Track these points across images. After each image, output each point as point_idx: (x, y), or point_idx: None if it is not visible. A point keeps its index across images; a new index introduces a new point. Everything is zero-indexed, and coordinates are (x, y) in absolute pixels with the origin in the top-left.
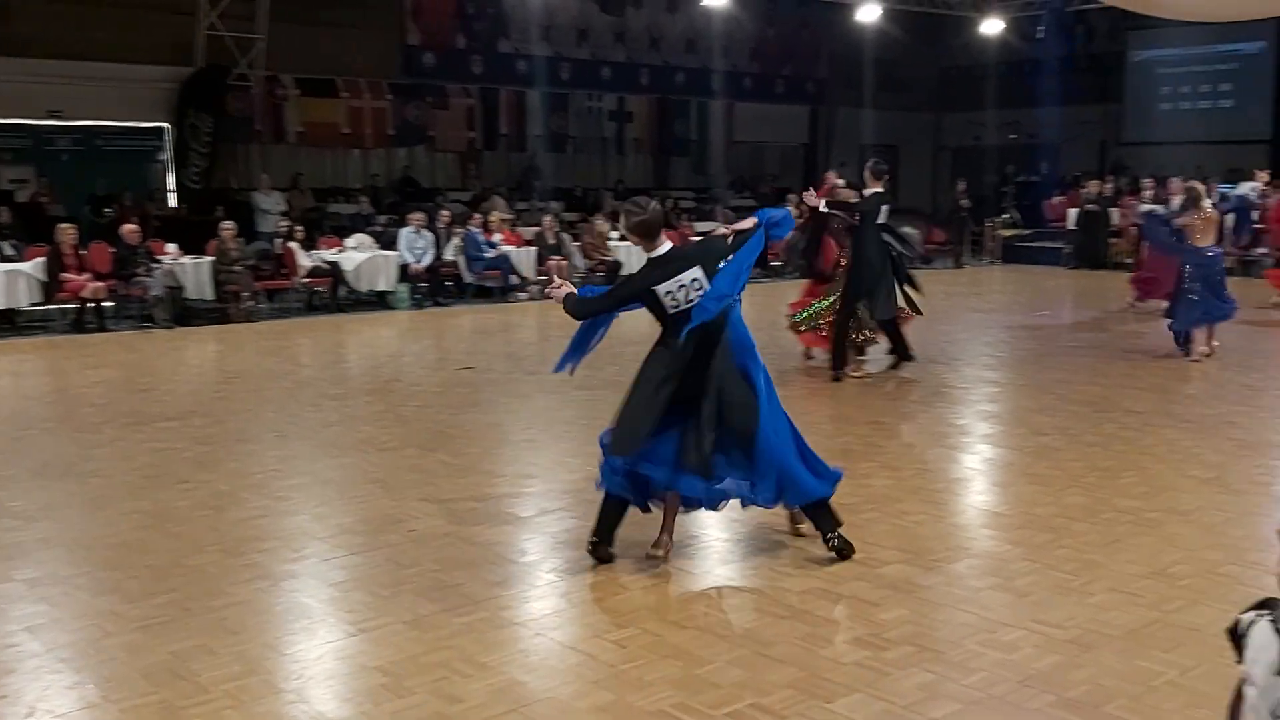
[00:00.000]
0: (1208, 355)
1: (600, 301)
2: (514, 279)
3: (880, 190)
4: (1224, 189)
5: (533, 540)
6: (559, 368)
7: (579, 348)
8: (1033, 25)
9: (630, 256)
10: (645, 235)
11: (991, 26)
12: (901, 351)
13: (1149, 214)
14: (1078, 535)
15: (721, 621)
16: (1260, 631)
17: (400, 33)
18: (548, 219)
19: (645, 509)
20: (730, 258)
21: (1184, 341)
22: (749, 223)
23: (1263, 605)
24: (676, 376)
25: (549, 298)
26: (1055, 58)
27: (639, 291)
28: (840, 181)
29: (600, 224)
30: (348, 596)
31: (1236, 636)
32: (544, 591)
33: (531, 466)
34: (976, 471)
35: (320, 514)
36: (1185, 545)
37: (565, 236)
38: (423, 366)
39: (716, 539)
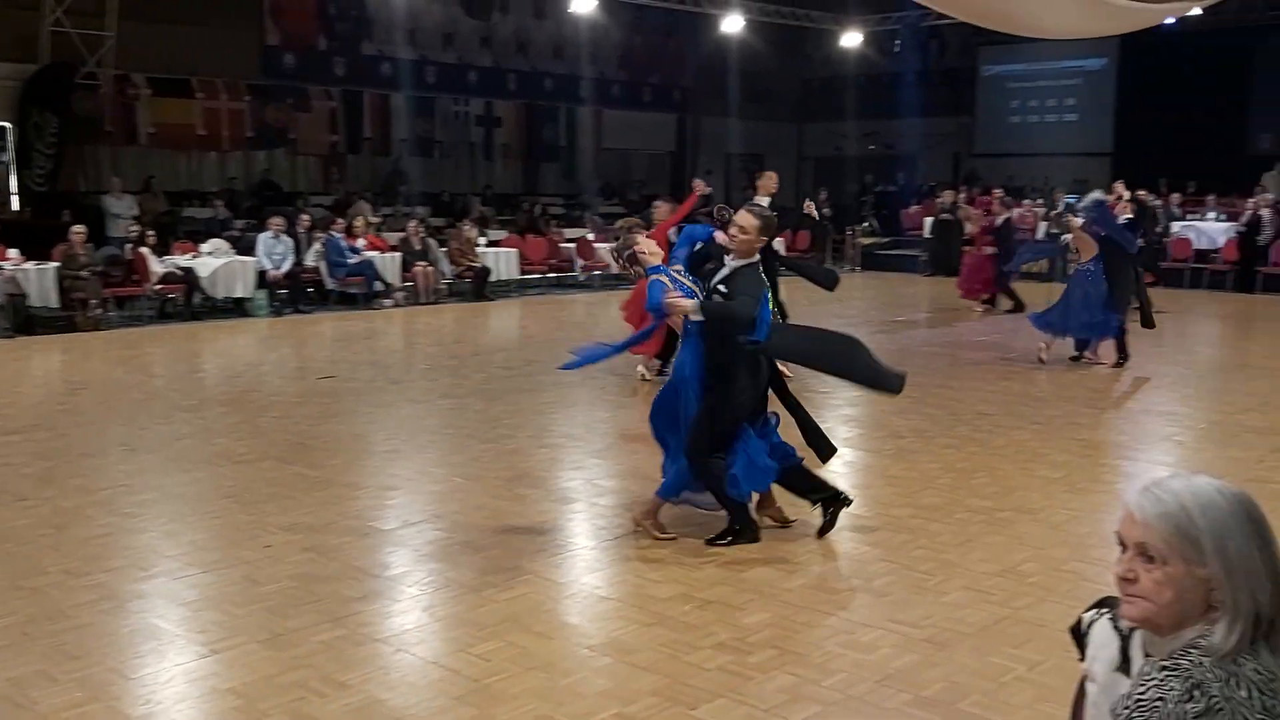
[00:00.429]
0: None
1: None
2: (378, 285)
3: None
4: (1070, 200)
5: (395, 554)
6: (576, 364)
7: (607, 354)
8: (890, 39)
9: (499, 263)
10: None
11: (851, 40)
12: None
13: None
14: (933, 535)
15: (586, 631)
16: (1100, 629)
17: (259, 32)
18: (414, 224)
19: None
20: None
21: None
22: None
23: (1103, 603)
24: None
25: (672, 307)
26: (912, 71)
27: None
28: (708, 189)
29: (468, 229)
30: (199, 616)
31: (1079, 634)
32: (406, 606)
33: (394, 478)
34: (837, 474)
35: (171, 531)
36: (1034, 543)
37: (432, 242)
38: (281, 376)
39: (583, 547)
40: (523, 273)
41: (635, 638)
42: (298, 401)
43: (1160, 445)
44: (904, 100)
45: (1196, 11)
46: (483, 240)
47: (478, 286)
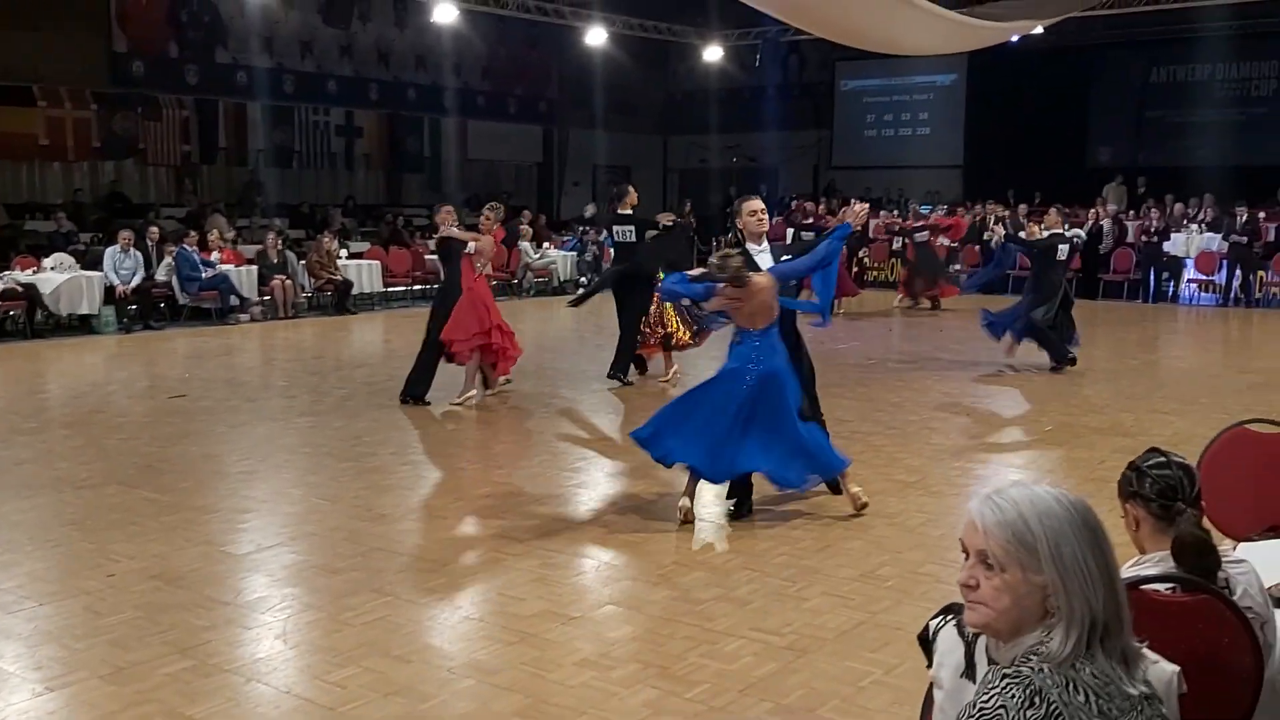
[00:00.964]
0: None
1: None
2: (233, 300)
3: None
4: (925, 210)
5: (248, 579)
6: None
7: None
8: (751, 54)
9: (362, 275)
10: None
11: (712, 54)
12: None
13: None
14: (795, 542)
15: (447, 652)
16: (946, 635)
17: (106, 39)
18: (271, 236)
19: None
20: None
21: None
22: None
23: (948, 609)
24: None
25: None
26: (772, 85)
27: None
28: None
29: (328, 241)
30: (35, 652)
31: (926, 641)
32: (259, 634)
33: (248, 500)
34: (703, 485)
35: (6, 562)
36: (891, 547)
37: (290, 255)
38: (130, 395)
39: (446, 566)
40: (386, 285)
41: (498, 657)
42: (147, 422)
43: (1010, 447)
44: (765, 113)
45: (1039, 30)
46: (344, 252)
47: (339, 300)
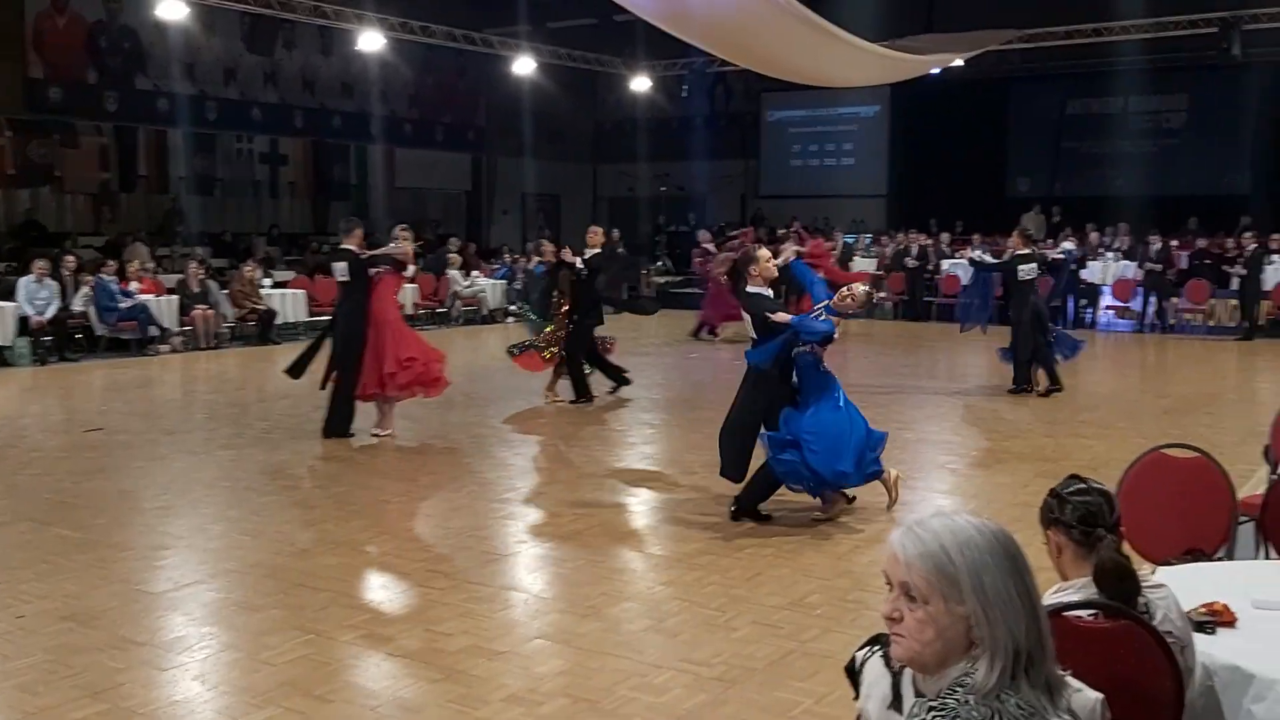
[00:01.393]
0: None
1: None
2: (153, 330)
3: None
4: (849, 239)
5: (166, 619)
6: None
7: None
8: (678, 84)
9: (286, 304)
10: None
11: (640, 84)
12: (617, 377)
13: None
14: (724, 571)
15: (371, 691)
16: (872, 667)
17: (21, 64)
18: (193, 265)
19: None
20: None
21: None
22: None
23: (875, 640)
24: None
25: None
26: (700, 115)
27: None
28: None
29: (251, 270)
30: None
31: (853, 672)
32: (176, 675)
33: (166, 537)
34: (632, 513)
35: None
36: (819, 575)
37: (212, 284)
38: (44, 429)
39: (370, 601)
40: (311, 314)
41: (422, 695)
42: (61, 457)
43: (935, 473)
44: (693, 143)
45: (959, 63)
46: (267, 281)
47: (262, 330)
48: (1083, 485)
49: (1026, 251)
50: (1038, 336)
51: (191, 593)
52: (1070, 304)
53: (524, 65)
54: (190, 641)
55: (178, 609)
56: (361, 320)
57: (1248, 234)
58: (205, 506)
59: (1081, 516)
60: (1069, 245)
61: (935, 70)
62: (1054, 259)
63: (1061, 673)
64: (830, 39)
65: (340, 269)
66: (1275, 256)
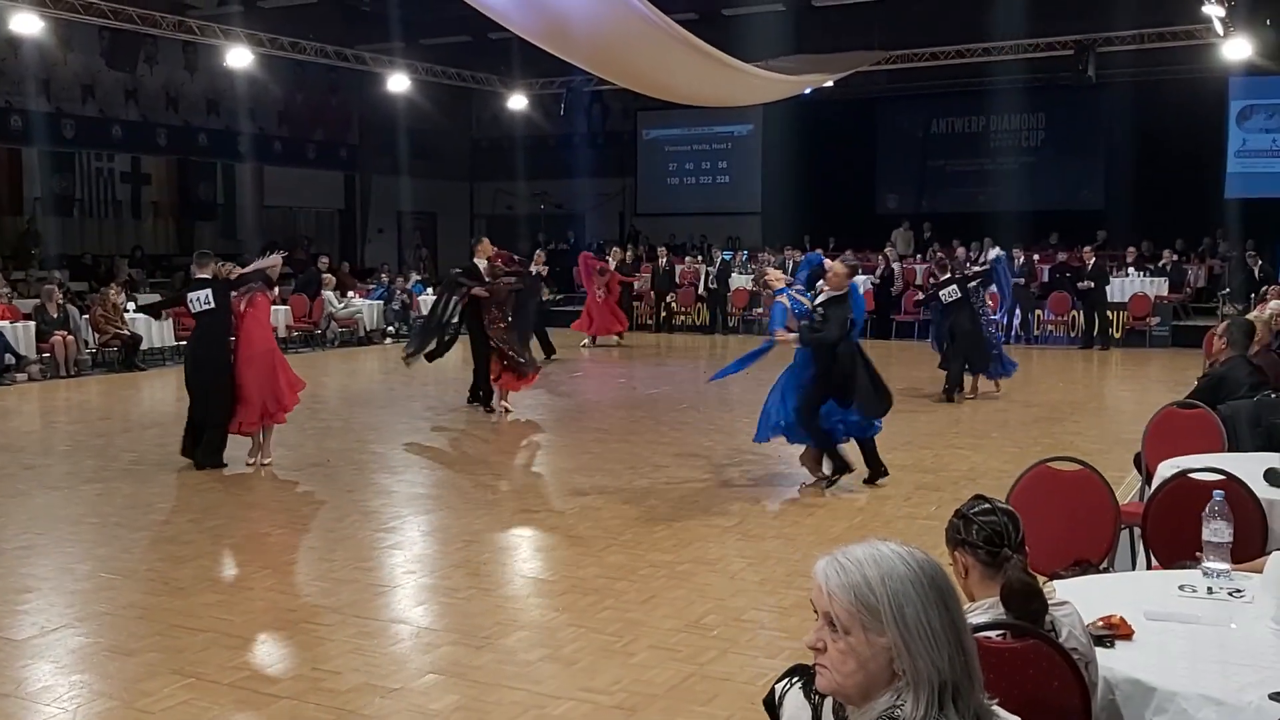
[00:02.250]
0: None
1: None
2: (9, 358)
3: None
4: (726, 255)
5: (31, 667)
6: (722, 374)
7: (746, 362)
8: (555, 102)
9: (151, 329)
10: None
11: (516, 102)
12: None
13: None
14: (619, 594)
15: None
16: (792, 699)
17: None
18: (52, 289)
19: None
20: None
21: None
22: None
23: (793, 672)
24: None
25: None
26: (577, 133)
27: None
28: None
29: (114, 294)
30: None
31: (772, 705)
32: None
33: (29, 579)
34: (521, 539)
35: None
36: (714, 595)
37: (72, 309)
38: None
39: (252, 641)
40: (178, 339)
41: None
42: None
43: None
44: (571, 161)
45: (829, 84)
46: (131, 306)
47: (127, 356)
48: (987, 505)
49: (945, 277)
50: (969, 352)
51: (58, 638)
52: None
53: (398, 82)
54: (59, 691)
55: (44, 656)
56: (226, 349)
57: (1088, 248)
58: (70, 545)
59: (987, 537)
60: (995, 251)
61: (807, 90)
62: (976, 271)
63: (989, 702)
64: (707, 60)
65: (201, 297)
66: (1131, 269)
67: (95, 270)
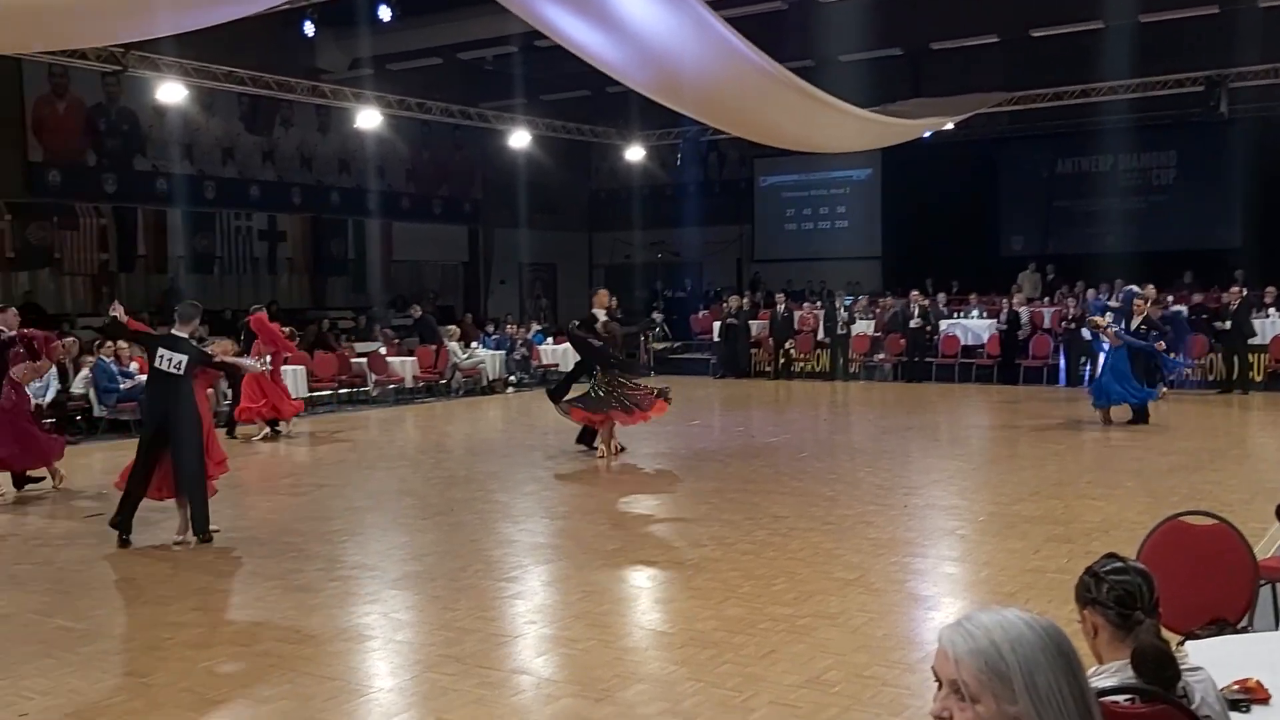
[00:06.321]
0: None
1: None
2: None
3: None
4: (847, 300)
5: None
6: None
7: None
8: (671, 153)
9: (287, 380)
10: None
11: (634, 154)
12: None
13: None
14: (738, 648)
15: None
16: None
17: (22, 149)
18: None
19: None
20: None
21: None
22: None
23: None
24: None
25: None
26: (693, 182)
27: None
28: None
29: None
30: None
31: None
32: None
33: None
34: (640, 590)
35: None
36: (835, 650)
37: None
38: (45, 514)
39: (388, 687)
40: (311, 390)
41: None
42: (62, 543)
43: (945, 540)
44: (687, 210)
45: (949, 126)
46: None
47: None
48: (1120, 564)
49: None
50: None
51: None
52: (1063, 360)
53: (519, 138)
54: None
55: None
56: (191, 417)
57: (1234, 288)
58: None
59: (1119, 597)
60: (1177, 308)
61: (926, 134)
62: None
63: None
64: (821, 106)
65: (174, 361)
66: (1271, 310)
67: (234, 325)
